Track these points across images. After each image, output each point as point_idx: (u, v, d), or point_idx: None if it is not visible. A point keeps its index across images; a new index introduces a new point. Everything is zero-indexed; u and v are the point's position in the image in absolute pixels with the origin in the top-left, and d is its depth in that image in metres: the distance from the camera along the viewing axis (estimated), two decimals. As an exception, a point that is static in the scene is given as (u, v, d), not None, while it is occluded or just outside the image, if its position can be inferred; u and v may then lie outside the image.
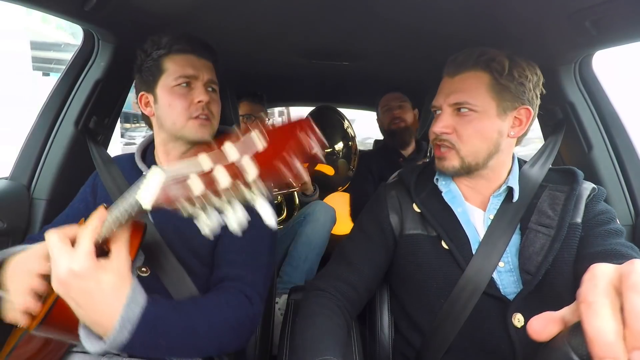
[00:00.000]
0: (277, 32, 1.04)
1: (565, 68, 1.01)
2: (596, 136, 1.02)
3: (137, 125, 12.18)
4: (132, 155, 0.90)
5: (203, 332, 0.60)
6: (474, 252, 0.73)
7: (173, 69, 0.79)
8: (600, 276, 0.27)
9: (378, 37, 1.04)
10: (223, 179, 0.36)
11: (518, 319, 0.67)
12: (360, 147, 1.93)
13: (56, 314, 0.53)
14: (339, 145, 1.86)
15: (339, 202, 1.73)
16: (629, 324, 0.24)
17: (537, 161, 0.84)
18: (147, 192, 0.41)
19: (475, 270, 0.70)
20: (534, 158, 0.86)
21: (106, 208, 0.51)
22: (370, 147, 2.41)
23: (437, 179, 0.81)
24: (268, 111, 1.94)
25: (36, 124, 1.01)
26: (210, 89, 0.83)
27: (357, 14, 0.88)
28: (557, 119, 1.06)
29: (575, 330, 0.28)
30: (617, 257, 0.62)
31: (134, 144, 7.86)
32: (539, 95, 0.76)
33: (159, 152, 0.87)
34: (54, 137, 1.01)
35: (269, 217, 0.38)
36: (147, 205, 0.41)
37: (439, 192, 0.80)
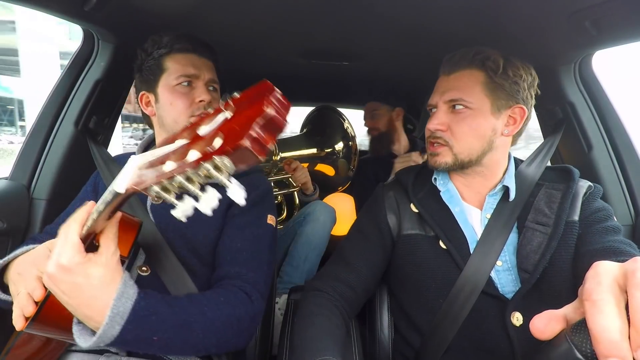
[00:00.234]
0: (276, 32, 1.04)
1: (565, 68, 1.01)
2: (596, 136, 1.02)
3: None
4: (132, 154, 0.90)
5: (198, 328, 0.59)
6: (471, 251, 0.73)
7: (174, 68, 0.79)
8: (604, 274, 0.27)
9: (378, 37, 1.04)
10: (192, 154, 0.36)
11: (517, 318, 0.67)
12: (361, 147, 1.93)
13: (48, 311, 0.52)
14: (339, 145, 1.86)
15: (339, 202, 1.73)
16: (635, 322, 0.24)
17: (534, 160, 0.84)
18: (122, 176, 0.42)
19: (473, 269, 0.70)
20: (531, 157, 0.86)
21: None
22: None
23: (435, 179, 0.82)
24: None
25: (36, 124, 1.01)
26: (211, 88, 0.84)
27: (357, 14, 0.88)
28: (557, 118, 1.06)
29: (578, 328, 0.27)
30: (615, 254, 0.62)
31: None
32: (533, 96, 0.76)
33: None
34: (54, 137, 1.01)
35: (238, 195, 0.37)
36: (120, 189, 0.41)
37: (436, 192, 0.80)
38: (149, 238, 0.73)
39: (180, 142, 0.39)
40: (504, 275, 0.71)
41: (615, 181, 1.02)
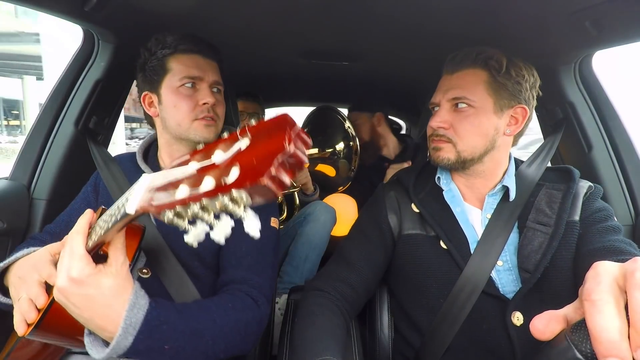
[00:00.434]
0: (276, 32, 1.04)
1: (565, 68, 1.01)
2: (596, 136, 1.02)
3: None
4: (133, 154, 0.90)
5: (209, 335, 0.59)
6: (472, 251, 0.73)
7: (178, 69, 0.78)
8: (604, 274, 0.27)
9: (378, 37, 1.04)
10: (207, 182, 0.34)
11: (517, 318, 0.67)
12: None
13: (51, 319, 0.52)
14: (340, 146, 1.86)
15: (340, 202, 1.73)
16: (634, 322, 0.24)
17: (534, 160, 0.84)
18: (133, 197, 0.40)
19: (474, 269, 0.70)
20: (532, 157, 0.86)
21: (105, 210, 0.51)
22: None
23: (438, 178, 0.82)
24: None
25: (36, 124, 1.01)
26: (215, 90, 0.83)
27: (358, 14, 0.88)
28: (557, 119, 1.06)
29: (578, 328, 0.27)
30: (616, 254, 0.62)
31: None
32: (535, 97, 0.77)
33: (163, 154, 0.86)
34: (54, 137, 1.01)
35: (253, 228, 0.36)
36: (130, 210, 0.40)
37: (437, 192, 0.80)
38: (150, 241, 0.73)
39: (194, 166, 0.37)
40: (505, 275, 0.71)
41: (615, 181, 1.02)
